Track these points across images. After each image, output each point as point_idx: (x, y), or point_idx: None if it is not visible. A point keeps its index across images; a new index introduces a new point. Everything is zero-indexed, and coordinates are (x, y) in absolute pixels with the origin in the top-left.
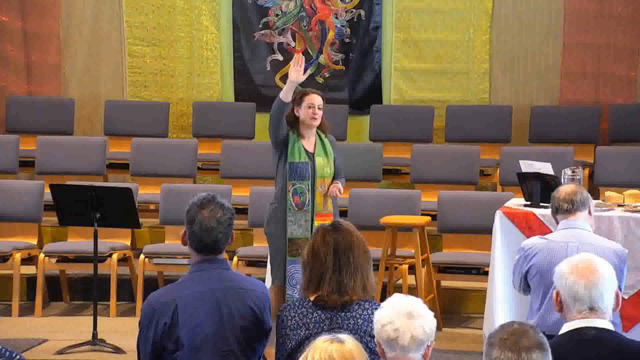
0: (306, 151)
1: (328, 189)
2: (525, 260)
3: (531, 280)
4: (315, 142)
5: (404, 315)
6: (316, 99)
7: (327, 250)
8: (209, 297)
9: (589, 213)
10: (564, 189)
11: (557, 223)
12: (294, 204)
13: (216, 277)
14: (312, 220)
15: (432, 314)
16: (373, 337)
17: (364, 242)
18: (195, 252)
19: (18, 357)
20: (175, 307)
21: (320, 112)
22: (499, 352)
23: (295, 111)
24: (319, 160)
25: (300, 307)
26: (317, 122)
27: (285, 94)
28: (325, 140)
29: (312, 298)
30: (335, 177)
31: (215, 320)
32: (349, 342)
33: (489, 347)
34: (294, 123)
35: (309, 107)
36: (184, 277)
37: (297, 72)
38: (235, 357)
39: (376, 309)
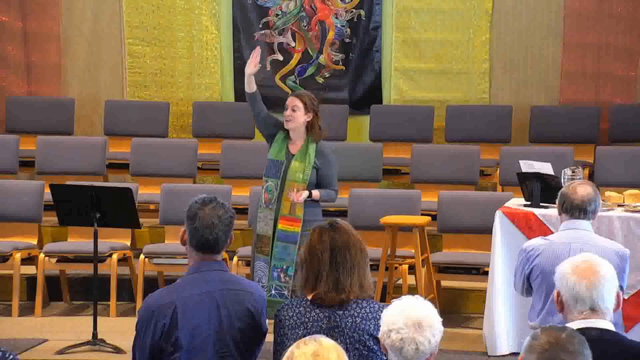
0: (288, 151)
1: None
2: (527, 262)
3: (534, 281)
4: (302, 146)
5: (413, 326)
6: (290, 100)
7: (324, 249)
8: (208, 299)
9: (594, 218)
10: (580, 193)
11: (560, 216)
12: (263, 201)
13: (214, 278)
14: (276, 220)
15: (440, 321)
16: (371, 335)
17: (361, 241)
18: (195, 250)
19: (12, 356)
20: (174, 309)
21: (295, 114)
22: None
23: None
24: (295, 163)
25: (298, 306)
26: (291, 125)
27: (246, 86)
28: (311, 147)
29: (309, 297)
30: (320, 187)
31: (214, 322)
32: (326, 340)
33: (529, 349)
34: None
35: (285, 109)
36: (181, 278)
37: (250, 64)
38: (234, 358)
39: (374, 307)
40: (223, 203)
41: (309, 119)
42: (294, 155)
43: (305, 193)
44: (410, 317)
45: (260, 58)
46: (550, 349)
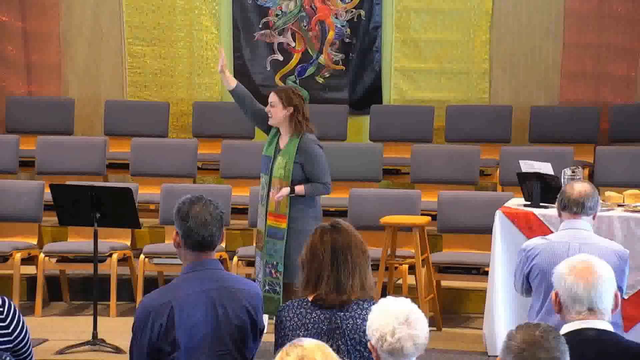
0: (277, 147)
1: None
2: (526, 261)
3: (533, 280)
4: (288, 140)
5: (404, 323)
6: (269, 97)
7: (325, 249)
8: (205, 297)
9: (594, 217)
10: (578, 189)
11: (560, 216)
12: (260, 197)
13: (210, 277)
14: (266, 216)
15: (423, 314)
16: None
17: (362, 242)
18: (191, 250)
19: (7, 358)
20: (171, 309)
21: (273, 109)
22: None
23: None
24: (279, 159)
25: (299, 307)
26: (271, 121)
27: (225, 85)
28: (294, 142)
29: (310, 298)
30: (309, 182)
31: (211, 320)
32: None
33: (507, 350)
34: None
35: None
36: (177, 278)
37: (218, 65)
38: (232, 356)
39: None
40: (210, 200)
41: (288, 113)
42: (282, 150)
43: (285, 190)
44: (397, 316)
45: (260, 58)
46: (527, 348)
